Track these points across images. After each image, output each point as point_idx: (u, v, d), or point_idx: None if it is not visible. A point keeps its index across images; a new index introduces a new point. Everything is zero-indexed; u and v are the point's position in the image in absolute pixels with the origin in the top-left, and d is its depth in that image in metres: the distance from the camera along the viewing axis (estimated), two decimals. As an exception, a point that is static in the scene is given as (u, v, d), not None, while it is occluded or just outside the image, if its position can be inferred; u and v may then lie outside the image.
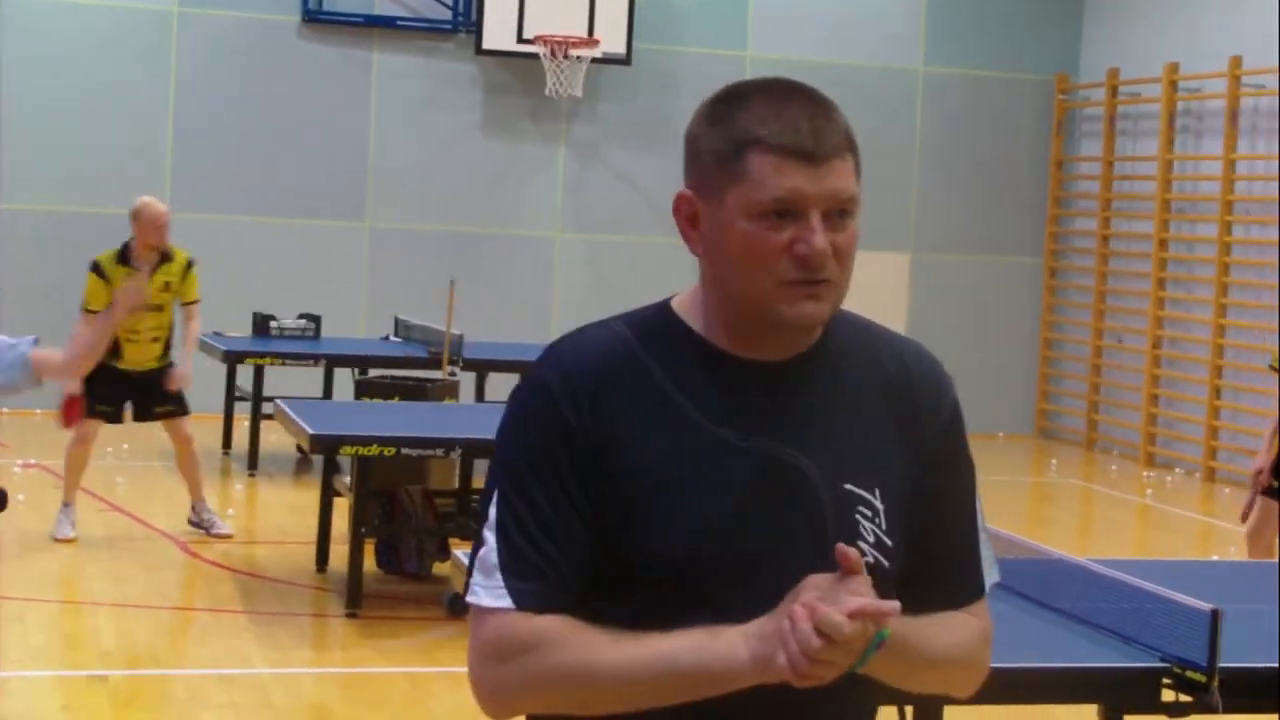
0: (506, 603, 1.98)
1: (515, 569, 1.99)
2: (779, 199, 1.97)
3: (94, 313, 8.75)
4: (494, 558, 2.00)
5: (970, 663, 2.14)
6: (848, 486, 2.04)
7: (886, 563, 2.05)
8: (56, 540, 8.94)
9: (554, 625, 1.97)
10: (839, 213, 2.00)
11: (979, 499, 2.19)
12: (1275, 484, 7.83)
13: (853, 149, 2.03)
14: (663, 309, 2.11)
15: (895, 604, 1.88)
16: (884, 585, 2.02)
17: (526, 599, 1.97)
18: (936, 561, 2.14)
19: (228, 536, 9.25)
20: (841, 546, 1.90)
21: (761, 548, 1.98)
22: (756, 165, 1.98)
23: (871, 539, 2.04)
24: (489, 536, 2.01)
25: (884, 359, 2.13)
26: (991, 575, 2.19)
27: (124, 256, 8.95)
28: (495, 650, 1.99)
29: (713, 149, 2.03)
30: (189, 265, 9.21)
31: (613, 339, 2.08)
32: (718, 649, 1.91)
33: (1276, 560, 6.69)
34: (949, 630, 2.11)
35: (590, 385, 2.02)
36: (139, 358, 9.05)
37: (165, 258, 9.08)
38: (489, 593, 1.99)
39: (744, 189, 1.99)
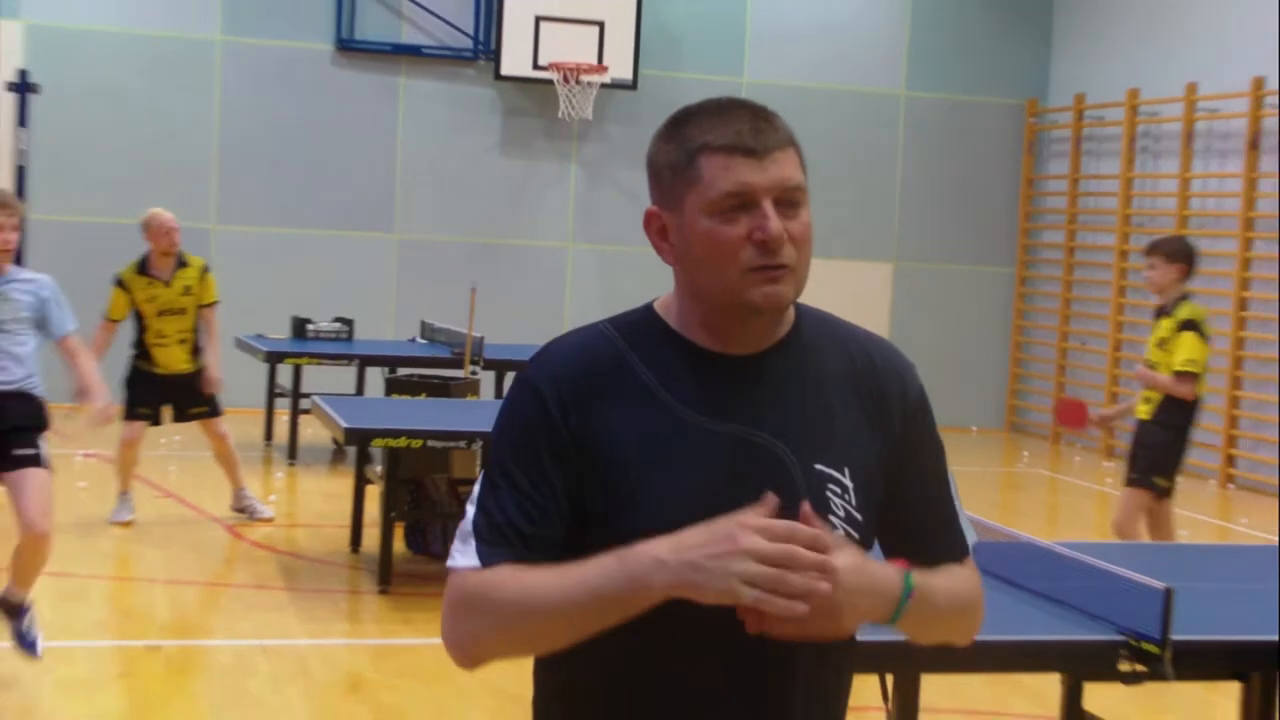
0: (473, 562, 1.99)
1: (488, 537, 1.99)
2: (730, 192, 1.99)
3: (115, 321, 9.06)
4: (469, 526, 2.02)
5: (973, 609, 2.17)
6: (818, 466, 2.05)
7: (856, 535, 2.06)
8: (114, 524, 8.99)
9: (500, 573, 1.97)
10: (789, 203, 2.01)
11: (950, 472, 2.22)
12: (1135, 476, 7.77)
13: (794, 145, 2.04)
14: (647, 310, 2.12)
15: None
16: None
17: (490, 559, 1.98)
18: (924, 527, 2.16)
19: (269, 520, 9.29)
20: (807, 505, 1.92)
21: None
22: (707, 167, 2.00)
23: (842, 513, 2.05)
24: (470, 509, 2.04)
25: (850, 351, 2.13)
26: (970, 536, 2.21)
27: (143, 267, 9.04)
28: (457, 605, 2.00)
29: (668, 162, 2.05)
30: (205, 269, 9.21)
31: (600, 339, 2.08)
32: (627, 564, 1.90)
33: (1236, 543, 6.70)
34: (954, 580, 2.13)
35: (575, 381, 2.03)
36: (170, 361, 9.06)
37: (181, 263, 9.10)
38: (462, 555, 2.01)
39: (699, 190, 2.00)
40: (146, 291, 9.00)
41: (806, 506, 1.93)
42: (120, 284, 9.03)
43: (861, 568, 1.94)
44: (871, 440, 2.11)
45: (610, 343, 2.07)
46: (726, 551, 1.86)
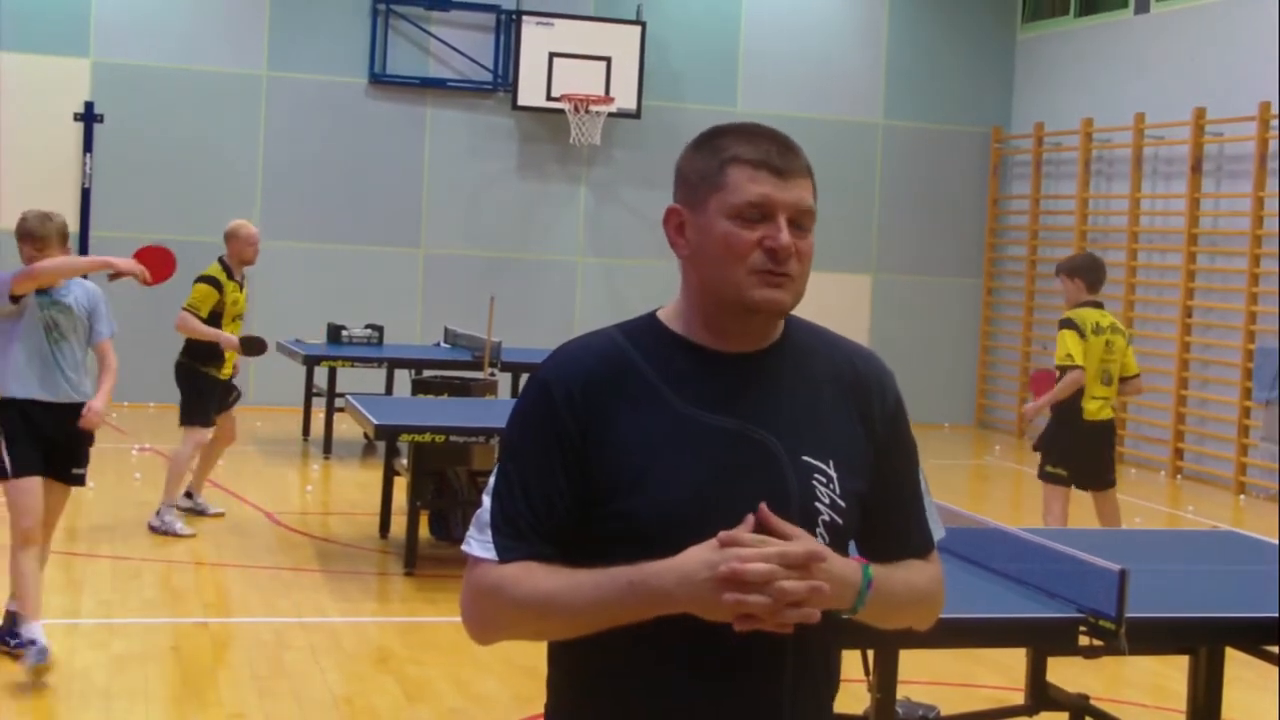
0: (491, 555, 2.00)
1: (503, 529, 2.01)
2: (753, 202, 2.00)
3: (197, 315, 8.50)
4: (486, 517, 2.02)
5: (931, 599, 2.16)
6: (806, 458, 2.04)
7: (840, 520, 2.05)
8: (210, 516, 8.89)
9: (518, 569, 1.98)
10: (800, 224, 2.02)
11: (922, 471, 2.20)
12: (1049, 469, 7.70)
13: (811, 176, 2.06)
14: (650, 318, 2.12)
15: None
16: (839, 538, 2.06)
17: (507, 553, 1.99)
18: (894, 522, 2.15)
19: (220, 515, 8.91)
20: (762, 507, 1.94)
21: (733, 509, 1.96)
22: (735, 176, 2.02)
23: (827, 501, 2.04)
24: (486, 499, 2.04)
25: (837, 358, 2.13)
26: (938, 532, 2.21)
27: (229, 272, 8.70)
28: (477, 592, 2.02)
29: (698, 168, 2.06)
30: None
31: (606, 342, 2.08)
32: (639, 593, 1.92)
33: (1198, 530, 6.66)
34: (913, 573, 2.13)
35: (583, 380, 2.02)
36: (229, 366, 8.75)
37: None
38: (480, 545, 2.02)
39: (724, 194, 2.02)
40: (233, 295, 8.64)
41: (763, 507, 1.94)
42: (214, 282, 8.57)
43: (830, 560, 1.95)
44: (855, 437, 2.10)
45: (617, 345, 2.07)
46: (720, 580, 1.88)
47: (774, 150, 2.03)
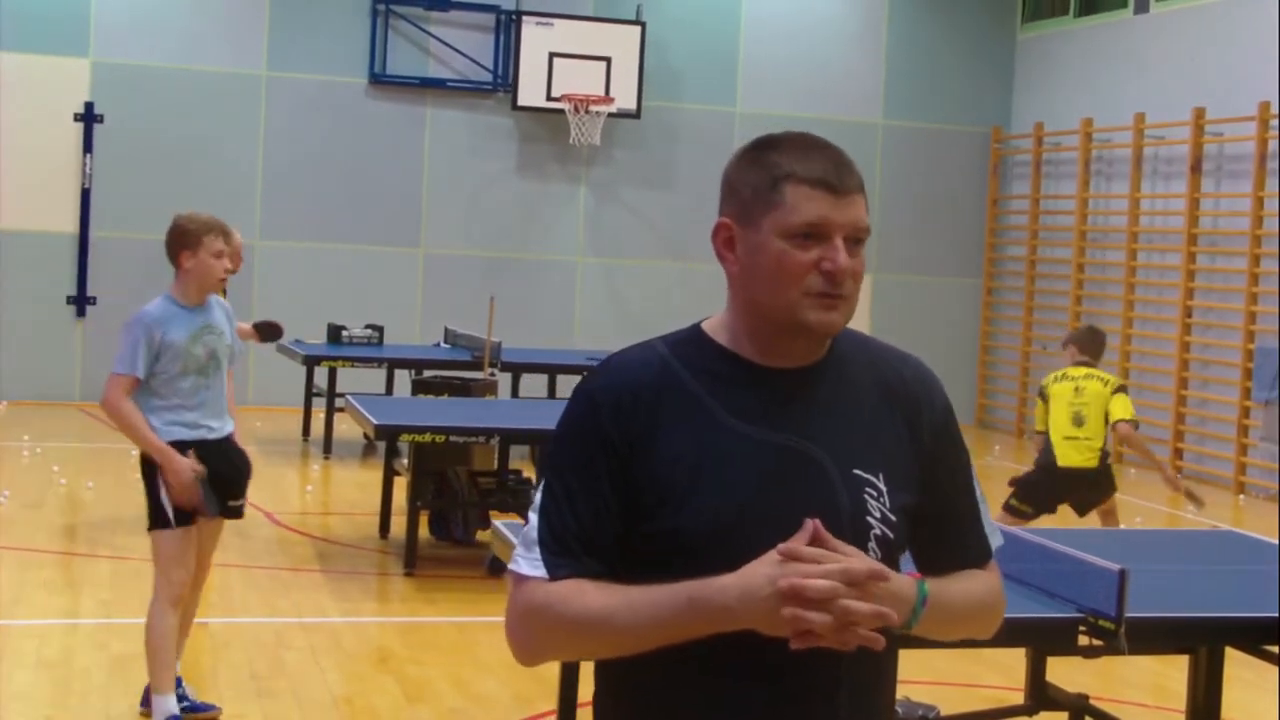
0: (541, 572, 1.96)
1: (552, 547, 1.96)
2: (810, 223, 1.96)
3: None
4: (534, 534, 1.98)
5: (990, 610, 2.13)
6: (856, 471, 2.00)
7: (891, 534, 2.02)
8: None
9: (568, 587, 1.94)
10: (855, 240, 1.98)
11: (975, 479, 2.17)
12: (1014, 503, 7.82)
13: (864, 192, 2.01)
14: (695, 330, 2.08)
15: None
16: (890, 552, 2.02)
17: (557, 570, 1.96)
18: (951, 531, 2.11)
19: None
20: (817, 523, 1.89)
21: (782, 524, 1.91)
22: (791, 194, 1.97)
23: (878, 514, 2.00)
24: (533, 517, 2.00)
25: (884, 368, 2.09)
26: (995, 539, 2.17)
27: None
28: (526, 611, 1.97)
29: (751, 182, 2.00)
30: None
31: (651, 355, 2.04)
32: (699, 609, 1.88)
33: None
34: (971, 584, 2.09)
35: (629, 394, 1.99)
36: None
37: None
38: (528, 563, 1.97)
39: (780, 214, 1.97)
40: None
41: (818, 523, 1.89)
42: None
43: (890, 579, 1.91)
44: (904, 448, 2.06)
45: (662, 359, 2.03)
46: (781, 595, 1.83)
47: (830, 168, 1.98)
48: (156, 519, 5.10)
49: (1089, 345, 8.07)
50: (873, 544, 1.99)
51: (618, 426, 1.97)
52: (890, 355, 2.13)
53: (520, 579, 1.98)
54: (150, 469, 5.09)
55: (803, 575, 1.83)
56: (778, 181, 1.98)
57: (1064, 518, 8.27)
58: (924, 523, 2.07)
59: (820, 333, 2.00)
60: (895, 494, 2.03)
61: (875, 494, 2.01)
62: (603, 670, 2.07)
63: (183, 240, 5.15)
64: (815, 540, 1.88)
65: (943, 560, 2.09)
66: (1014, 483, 7.99)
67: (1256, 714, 5.86)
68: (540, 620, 1.96)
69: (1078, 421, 7.73)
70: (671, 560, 1.94)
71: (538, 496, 2.02)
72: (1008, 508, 7.83)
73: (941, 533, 2.10)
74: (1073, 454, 7.71)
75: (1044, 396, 7.92)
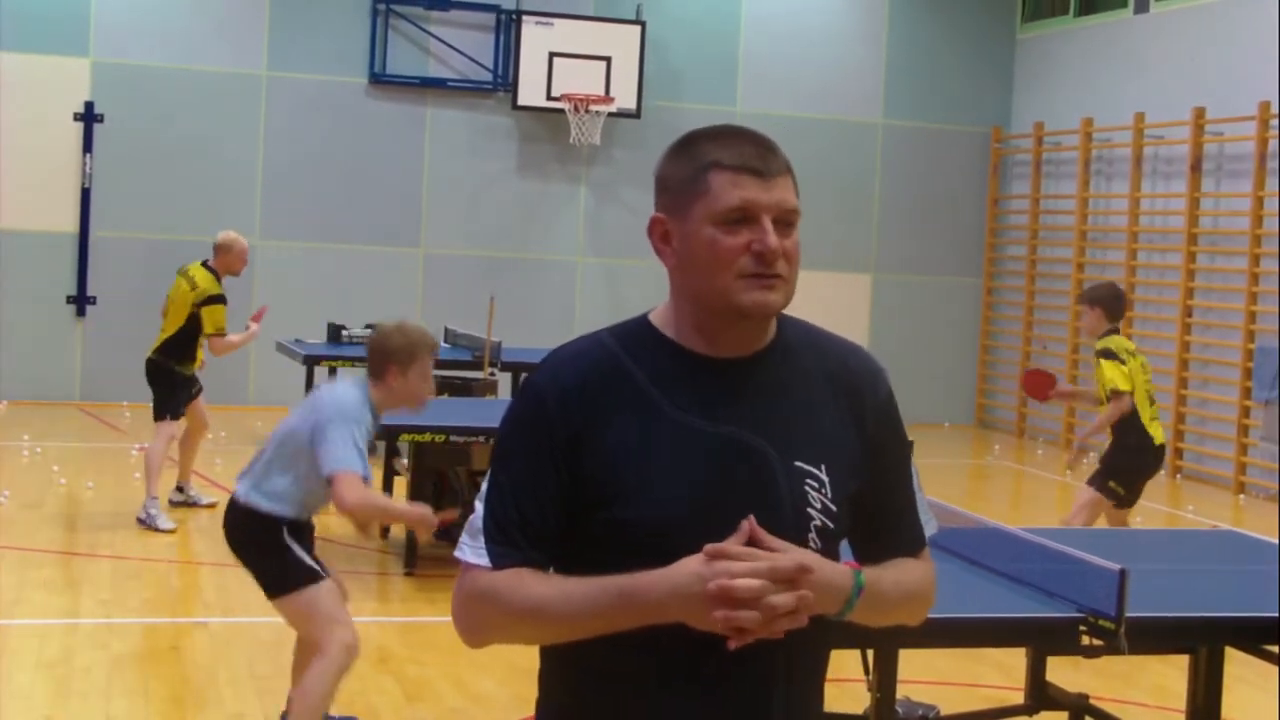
0: (484, 561, 2.00)
1: (496, 536, 2.01)
2: (736, 206, 1.98)
3: (220, 332, 8.66)
4: (479, 523, 2.02)
5: (921, 598, 2.16)
6: (798, 463, 2.03)
7: (832, 525, 2.05)
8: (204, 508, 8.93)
9: (509, 575, 1.99)
10: (785, 223, 2.00)
11: (914, 467, 2.20)
12: (1111, 484, 7.56)
13: (792, 173, 2.04)
14: (642, 321, 2.10)
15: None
16: (830, 543, 2.05)
17: (499, 559, 1.99)
18: (889, 520, 2.15)
19: (212, 506, 8.93)
20: (751, 520, 1.93)
21: (726, 514, 1.95)
22: (717, 182, 1.99)
23: (819, 505, 2.03)
24: (479, 505, 2.04)
25: (829, 357, 2.11)
26: (930, 528, 2.20)
27: (218, 280, 8.85)
28: (469, 597, 2.02)
29: (679, 175, 2.03)
30: None
31: (598, 347, 2.06)
32: (634, 603, 1.93)
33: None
34: (904, 573, 2.12)
35: (576, 386, 2.01)
36: (198, 363, 8.92)
37: None
38: (473, 551, 2.01)
39: (707, 201, 1.99)
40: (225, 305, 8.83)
41: (751, 521, 1.93)
42: (222, 299, 8.73)
43: (819, 569, 1.95)
44: (847, 438, 2.08)
45: (609, 350, 2.05)
46: (709, 597, 1.88)
47: (753, 152, 2.00)
48: (301, 578, 4.89)
49: (1116, 310, 7.72)
50: (813, 535, 2.02)
51: (563, 419, 2.00)
52: (836, 345, 2.15)
53: (466, 566, 2.03)
54: (278, 539, 4.87)
55: (730, 575, 1.88)
56: (703, 170, 2.00)
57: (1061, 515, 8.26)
58: (863, 510, 2.11)
59: (757, 314, 2.01)
60: (838, 484, 2.05)
61: (817, 485, 2.04)
62: (546, 650, 2.11)
63: (394, 355, 4.81)
64: (751, 540, 1.92)
65: (878, 548, 2.12)
66: (1108, 466, 7.60)
67: (1256, 714, 5.86)
68: (482, 607, 2.01)
69: (1151, 401, 7.69)
70: (616, 551, 1.97)
71: (484, 486, 2.05)
72: (1104, 489, 7.52)
73: (879, 521, 2.13)
74: (1160, 433, 7.64)
75: (1120, 359, 7.51)
